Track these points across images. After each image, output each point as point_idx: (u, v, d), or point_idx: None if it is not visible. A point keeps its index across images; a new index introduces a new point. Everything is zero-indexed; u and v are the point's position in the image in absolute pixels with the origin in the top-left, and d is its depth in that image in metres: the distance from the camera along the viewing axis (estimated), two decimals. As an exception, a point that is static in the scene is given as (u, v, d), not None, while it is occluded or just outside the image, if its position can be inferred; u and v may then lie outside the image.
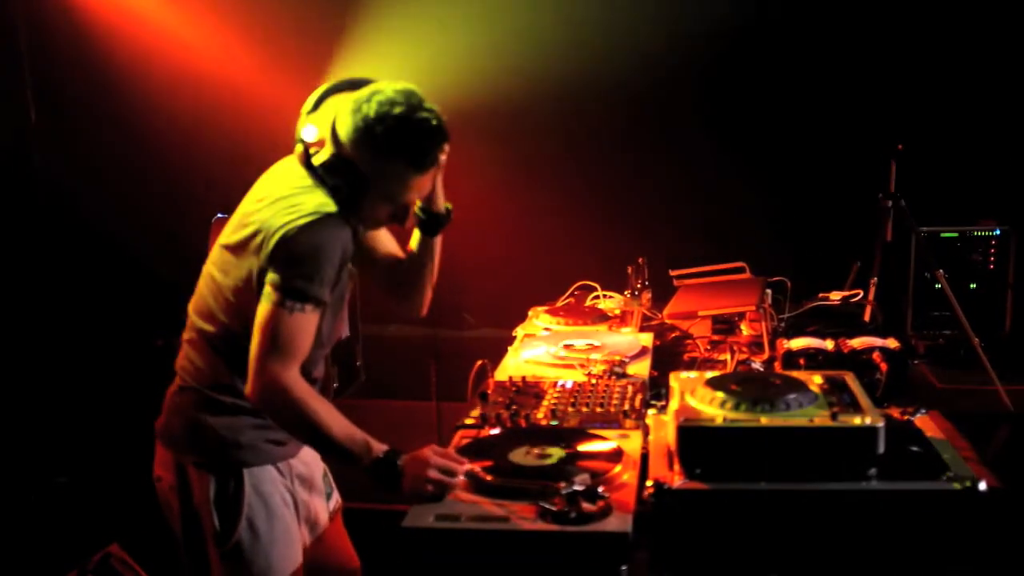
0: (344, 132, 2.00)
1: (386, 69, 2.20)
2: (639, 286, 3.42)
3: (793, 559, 1.70)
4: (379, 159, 1.99)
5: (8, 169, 4.73)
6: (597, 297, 3.58)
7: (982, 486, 1.66)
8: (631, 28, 5.39)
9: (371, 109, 1.97)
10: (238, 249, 2.06)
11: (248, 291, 2.01)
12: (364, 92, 2.01)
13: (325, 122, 2.05)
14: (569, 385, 2.45)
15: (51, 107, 4.87)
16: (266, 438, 2.12)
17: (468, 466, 1.89)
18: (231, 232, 2.14)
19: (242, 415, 2.09)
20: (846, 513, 1.68)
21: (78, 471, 4.26)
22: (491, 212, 5.42)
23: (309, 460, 2.29)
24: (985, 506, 1.65)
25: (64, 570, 3.08)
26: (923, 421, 2.02)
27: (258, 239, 2.00)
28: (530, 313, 3.35)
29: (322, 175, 2.01)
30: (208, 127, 5.18)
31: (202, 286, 2.19)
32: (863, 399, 1.82)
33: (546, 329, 3.17)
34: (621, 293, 3.51)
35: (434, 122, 2.00)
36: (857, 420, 1.71)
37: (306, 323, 1.96)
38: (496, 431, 2.17)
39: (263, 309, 1.94)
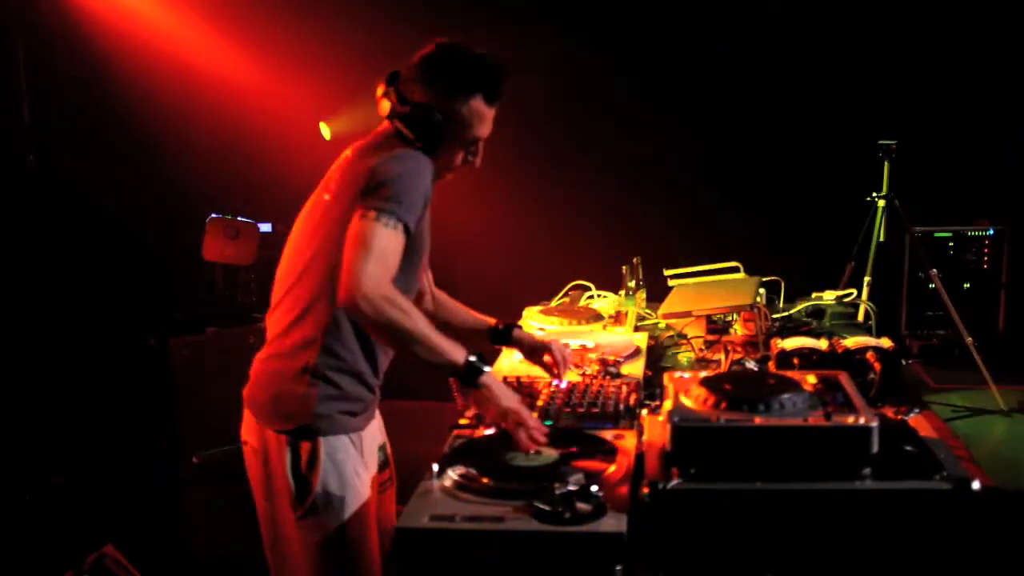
0: (417, 84, 2.16)
1: (387, 69, 2.24)
2: (633, 286, 3.42)
3: (788, 558, 1.70)
4: (456, 97, 2.15)
5: (2, 167, 4.72)
6: (592, 297, 3.59)
7: (975, 485, 1.66)
8: (628, 29, 5.40)
9: (441, 54, 2.16)
10: (328, 202, 2.18)
11: (341, 233, 2.09)
12: (423, 51, 2.18)
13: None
14: (564, 385, 2.46)
15: (45, 107, 4.86)
16: (340, 409, 2.20)
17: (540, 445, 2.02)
18: (315, 198, 2.26)
19: (319, 386, 2.17)
20: (840, 512, 1.68)
21: (73, 471, 4.25)
22: (486, 212, 5.42)
23: (374, 433, 2.37)
24: (979, 505, 1.66)
25: (59, 571, 3.08)
26: (917, 420, 2.02)
27: (347, 182, 2.14)
28: (525, 313, 3.35)
29: (403, 127, 2.17)
30: (203, 128, 5.18)
31: (288, 252, 2.29)
32: (857, 399, 1.83)
33: (540, 329, 3.17)
34: (616, 293, 3.52)
35: (495, 60, 2.19)
36: (851, 420, 1.71)
37: (397, 242, 2.05)
38: (491, 432, 2.17)
39: (357, 226, 2.03)
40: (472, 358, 2.07)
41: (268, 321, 2.31)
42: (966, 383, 4.67)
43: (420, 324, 2.04)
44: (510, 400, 2.08)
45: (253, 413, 2.28)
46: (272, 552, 2.30)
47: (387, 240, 2.03)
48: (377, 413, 2.40)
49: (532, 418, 2.08)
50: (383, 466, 2.41)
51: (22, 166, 4.77)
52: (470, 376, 2.07)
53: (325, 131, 5.17)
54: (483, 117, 2.21)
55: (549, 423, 2.19)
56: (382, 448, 2.41)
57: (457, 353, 2.07)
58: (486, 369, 2.08)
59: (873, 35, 5.19)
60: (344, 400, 2.20)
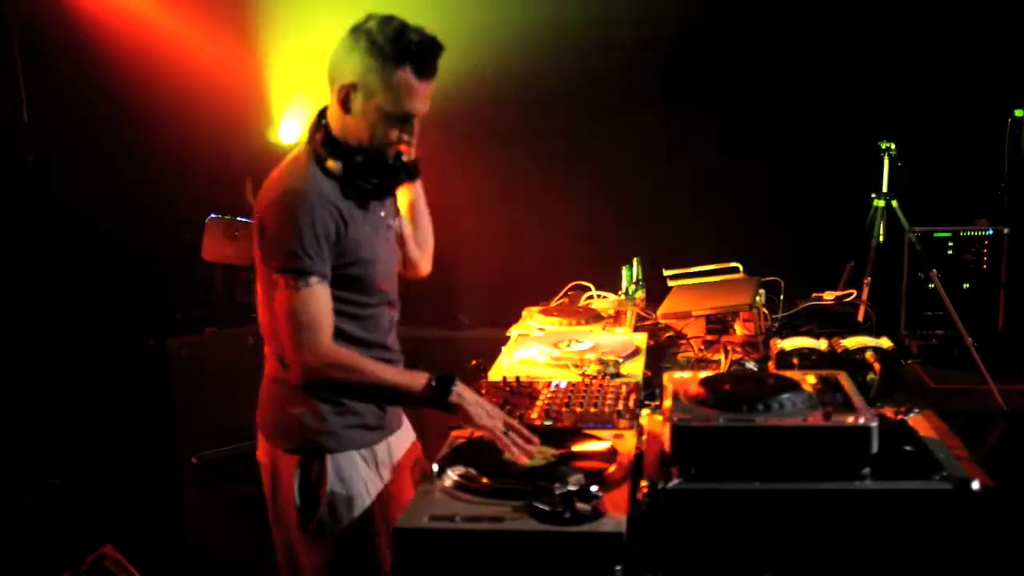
0: (345, 62, 2.09)
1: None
2: (633, 286, 3.42)
3: (787, 559, 1.70)
4: (386, 69, 2.06)
5: (0, 169, 4.72)
6: (591, 297, 3.58)
7: (975, 485, 1.66)
8: (627, 30, 5.40)
9: (371, 27, 2.07)
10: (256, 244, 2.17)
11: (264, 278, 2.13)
12: (351, 30, 2.10)
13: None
14: (563, 385, 2.45)
15: (44, 107, 4.86)
16: (347, 424, 2.19)
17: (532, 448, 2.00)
18: None
19: (322, 403, 2.17)
20: (840, 512, 1.68)
21: (72, 472, 4.25)
22: (486, 213, 5.43)
23: (397, 449, 2.35)
24: (978, 505, 1.66)
25: (58, 571, 3.07)
26: (916, 420, 2.02)
27: (256, 223, 2.12)
28: (524, 313, 3.35)
29: (311, 133, 2.15)
30: (203, 128, 5.18)
31: (257, 281, 2.28)
32: (856, 399, 1.83)
33: (540, 329, 3.17)
34: (615, 293, 3.52)
35: (428, 33, 2.10)
36: (850, 420, 1.71)
37: (316, 296, 2.05)
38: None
39: (276, 299, 2.06)
40: (434, 382, 2.04)
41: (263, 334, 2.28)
42: (965, 383, 4.67)
43: (368, 373, 2.06)
44: (484, 418, 2.04)
45: (263, 434, 2.28)
46: (287, 573, 2.29)
47: (305, 303, 2.03)
48: (409, 429, 2.39)
49: (516, 426, 2.03)
50: (421, 482, 2.39)
51: (21, 167, 4.77)
52: (439, 401, 2.04)
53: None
54: (412, 90, 2.08)
55: (549, 423, 2.19)
56: (420, 462, 2.39)
57: (417, 382, 2.06)
58: (452, 389, 2.04)
59: (872, 36, 5.19)
60: (350, 415, 2.19)
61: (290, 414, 2.18)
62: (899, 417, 2.04)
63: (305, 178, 2.09)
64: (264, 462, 2.29)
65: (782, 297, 3.45)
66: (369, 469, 2.22)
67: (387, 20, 2.07)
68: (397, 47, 2.05)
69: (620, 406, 2.26)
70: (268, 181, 2.15)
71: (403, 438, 2.37)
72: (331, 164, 2.11)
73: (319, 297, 2.05)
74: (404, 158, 2.22)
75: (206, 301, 5.07)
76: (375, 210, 2.22)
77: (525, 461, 1.97)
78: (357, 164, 2.12)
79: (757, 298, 3.06)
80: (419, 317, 2.56)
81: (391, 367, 2.15)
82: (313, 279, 2.03)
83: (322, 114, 2.19)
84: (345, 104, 2.10)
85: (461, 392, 2.05)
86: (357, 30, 2.08)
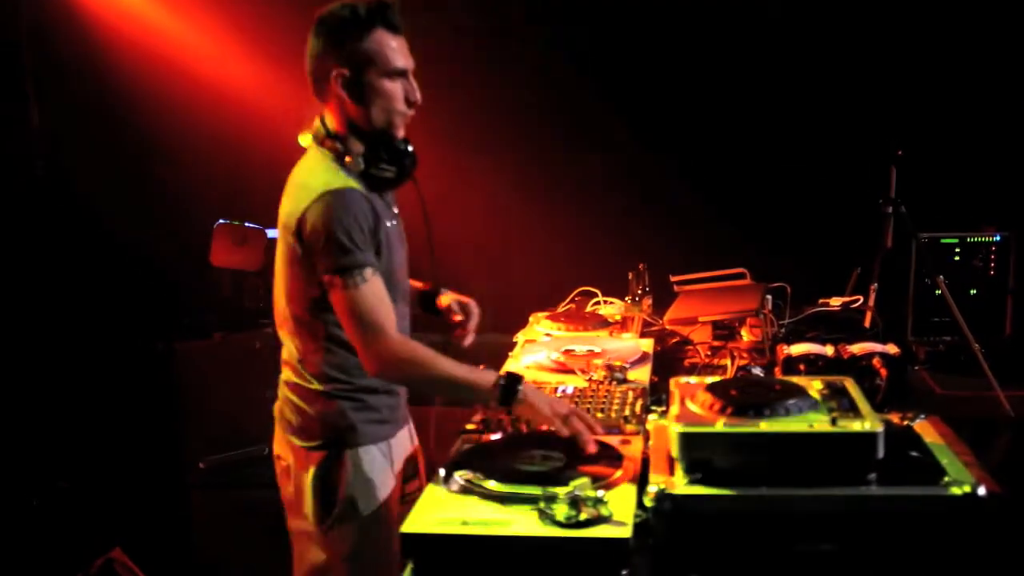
0: (326, 54, 2.16)
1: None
2: (640, 292, 3.43)
3: (793, 565, 1.70)
4: (362, 39, 2.14)
5: (10, 172, 4.74)
6: (598, 303, 3.59)
7: (982, 491, 1.66)
8: (630, 32, 5.40)
9: (325, 14, 2.16)
10: (284, 243, 2.20)
11: (296, 277, 2.17)
12: (313, 30, 2.19)
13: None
14: (570, 391, 2.46)
15: (53, 110, 4.88)
16: (366, 419, 2.23)
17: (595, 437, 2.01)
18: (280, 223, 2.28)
19: (340, 402, 2.20)
20: (846, 518, 1.68)
21: (80, 476, 4.26)
22: (492, 217, 5.43)
23: (404, 443, 2.38)
24: (985, 511, 1.66)
25: (67, 575, 3.09)
26: (923, 426, 2.02)
27: (284, 225, 2.18)
28: (531, 318, 3.36)
29: (320, 139, 2.22)
30: (211, 133, 5.20)
31: (275, 285, 2.33)
32: (863, 404, 1.83)
33: (547, 334, 3.18)
34: (622, 299, 3.52)
35: None
36: (856, 425, 1.71)
37: (374, 289, 2.09)
38: (497, 436, 2.18)
39: (337, 301, 2.09)
40: (503, 380, 2.08)
41: (280, 338, 2.32)
42: (973, 389, 4.65)
43: (441, 368, 2.09)
44: (559, 404, 2.08)
45: (282, 428, 2.30)
46: (298, 566, 2.31)
47: (366, 299, 2.06)
48: (410, 422, 2.42)
49: (581, 414, 2.08)
50: (411, 477, 2.41)
51: (30, 172, 4.79)
52: (508, 396, 2.07)
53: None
54: (392, 48, 2.16)
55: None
56: (412, 458, 2.41)
57: (486, 379, 2.09)
58: (519, 388, 2.08)
59: (880, 40, 5.19)
60: (369, 410, 2.23)
61: (307, 410, 2.22)
62: (905, 423, 2.04)
63: (336, 176, 2.14)
64: (282, 456, 2.31)
65: (789, 303, 3.46)
66: (385, 462, 2.26)
67: (336, 5, 2.16)
68: (359, 16, 2.13)
69: (627, 411, 2.27)
70: (293, 189, 2.18)
71: (405, 434, 2.40)
72: (349, 160, 2.16)
73: (377, 289, 2.09)
74: (409, 146, 2.25)
75: (214, 306, 5.08)
76: (388, 202, 2.25)
77: (592, 449, 1.99)
78: (375, 153, 2.17)
79: (764, 304, 3.07)
80: (426, 322, 2.57)
81: (458, 363, 2.16)
82: (368, 271, 2.07)
83: (322, 121, 2.24)
84: (347, 89, 2.14)
85: (526, 390, 2.08)
86: (319, 24, 2.17)
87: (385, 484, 2.25)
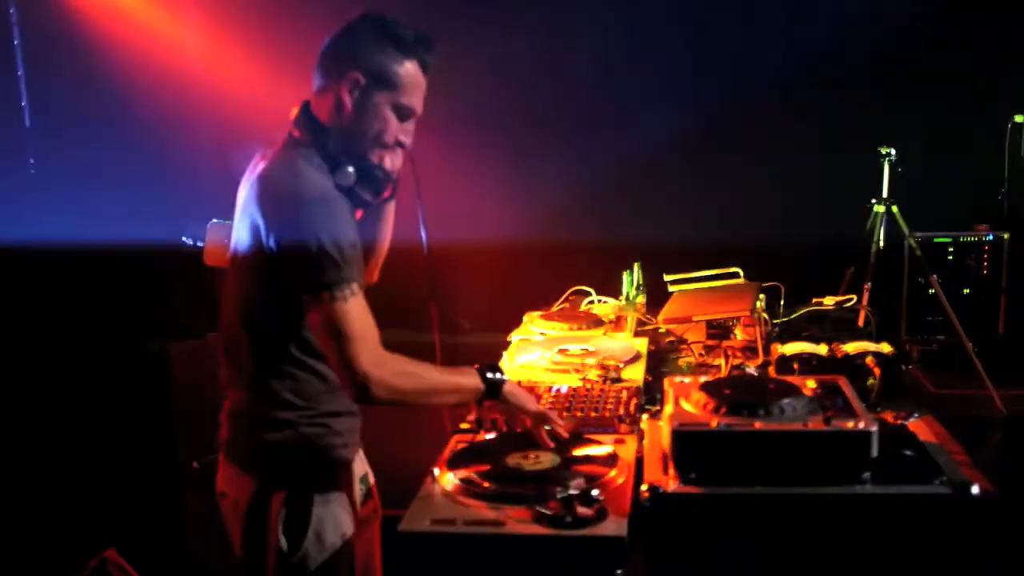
0: (354, 51, 2.07)
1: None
2: (634, 291, 3.43)
3: (787, 563, 1.71)
4: (398, 59, 2.06)
5: (3, 173, 4.72)
6: (592, 302, 3.59)
7: (975, 490, 1.67)
8: (630, 33, 5.41)
9: (376, 16, 2.09)
10: (245, 250, 2.07)
11: (262, 290, 2.03)
12: (362, 19, 2.11)
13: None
14: (564, 390, 2.46)
15: (46, 111, 4.87)
16: (330, 444, 2.10)
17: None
18: (236, 233, 2.18)
19: (299, 427, 2.06)
20: (840, 517, 1.68)
21: (72, 476, 4.25)
22: (486, 216, 5.42)
23: (363, 464, 2.30)
24: (978, 510, 1.66)
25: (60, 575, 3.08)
26: (916, 425, 2.03)
27: (261, 234, 2.01)
28: (525, 318, 3.36)
29: (302, 131, 2.12)
30: (204, 132, 5.19)
31: (225, 295, 2.18)
32: (857, 403, 1.83)
33: (541, 334, 3.18)
34: (616, 298, 3.52)
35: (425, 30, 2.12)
36: (851, 424, 1.72)
37: (361, 305, 1.93)
38: (491, 436, 2.18)
39: (320, 315, 1.90)
40: (488, 375, 2.07)
41: (224, 364, 2.15)
42: (966, 388, 4.66)
43: (428, 376, 2.02)
44: (534, 403, 2.12)
45: (232, 461, 2.13)
46: None
47: (354, 314, 1.90)
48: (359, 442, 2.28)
49: (554, 416, 2.13)
50: (366, 498, 2.28)
51: (22, 169, 4.77)
52: (493, 393, 2.07)
53: None
54: (416, 84, 2.09)
55: (550, 428, 2.20)
56: (364, 479, 2.28)
57: (470, 376, 2.06)
58: (504, 378, 2.08)
59: (872, 41, 5.20)
60: (333, 435, 2.11)
61: (268, 442, 2.05)
62: (899, 422, 2.04)
63: (321, 181, 2.01)
64: (230, 492, 2.14)
65: (783, 302, 3.46)
66: (347, 485, 2.16)
67: (361, 17, 2.10)
68: (406, 39, 2.07)
69: (621, 411, 2.27)
70: (270, 190, 2.02)
71: (360, 455, 2.28)
72: (342, 171, 2.05)
73: (362, 302, 1.94)
74: (388, 169, 2.14)
75: (207, 306, 5.07)
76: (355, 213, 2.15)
77: (565, 435, 2.06)
78: (367, 172, 2.07)
79: (758, 303, 3.07)
80: (419, 321, 2.56)
81: (440, 366, 2.09)
82: (355, 286, 1.91)
83: (306, 111, 2.13)
84: (352, 96, 2.04)
85: (510, 381, 2.10)
86: (364, 21, 2.09)
87: (348, 511, 2.14)
